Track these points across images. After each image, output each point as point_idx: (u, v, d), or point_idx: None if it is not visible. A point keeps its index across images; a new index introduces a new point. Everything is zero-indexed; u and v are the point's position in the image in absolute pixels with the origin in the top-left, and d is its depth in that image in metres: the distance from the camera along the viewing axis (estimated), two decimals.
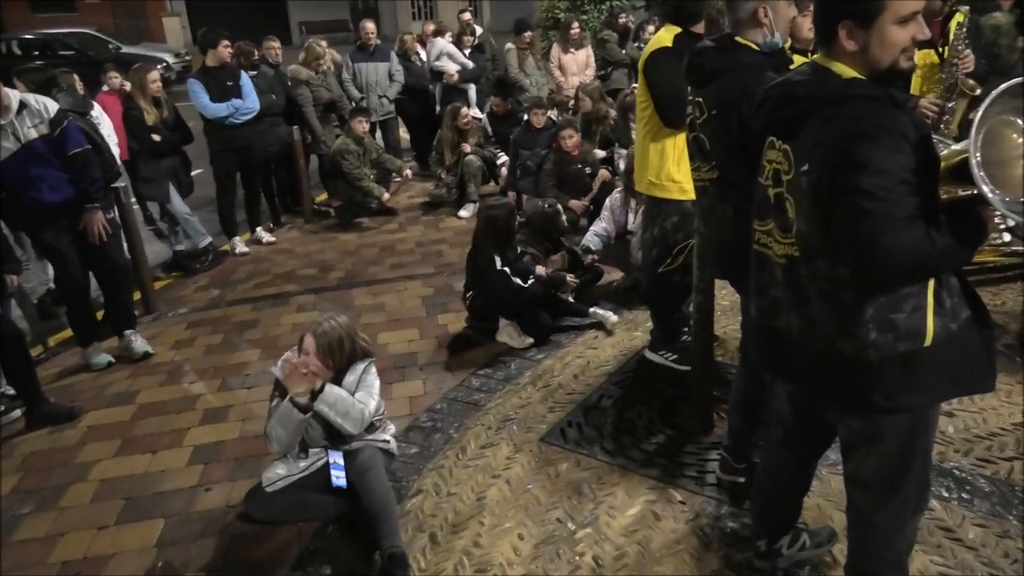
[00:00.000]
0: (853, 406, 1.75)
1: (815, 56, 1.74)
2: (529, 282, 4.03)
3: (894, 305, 1.61)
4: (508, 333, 4.07)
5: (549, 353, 3.94)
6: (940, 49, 3.52)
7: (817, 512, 2.55)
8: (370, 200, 6.50)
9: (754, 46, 2.32)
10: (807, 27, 2.59)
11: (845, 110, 1.55)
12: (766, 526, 2.28)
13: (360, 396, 2.67)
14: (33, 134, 3.68)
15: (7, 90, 3.69)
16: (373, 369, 2.80)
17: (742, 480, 2.67)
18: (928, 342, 1.62)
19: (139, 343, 4.37)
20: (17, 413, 3.71)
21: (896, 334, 1.61)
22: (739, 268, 2.47)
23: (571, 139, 5.69)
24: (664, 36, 3.08)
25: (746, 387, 2.60)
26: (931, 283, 1.63)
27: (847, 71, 1.62)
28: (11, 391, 3.75)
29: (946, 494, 2.59)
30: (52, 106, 3.80)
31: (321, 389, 2.61)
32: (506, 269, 4.01)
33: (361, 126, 6.42)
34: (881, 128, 1.49)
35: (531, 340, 4.02)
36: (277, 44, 6.60)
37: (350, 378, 2.71)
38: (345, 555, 2.60)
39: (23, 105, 3.69)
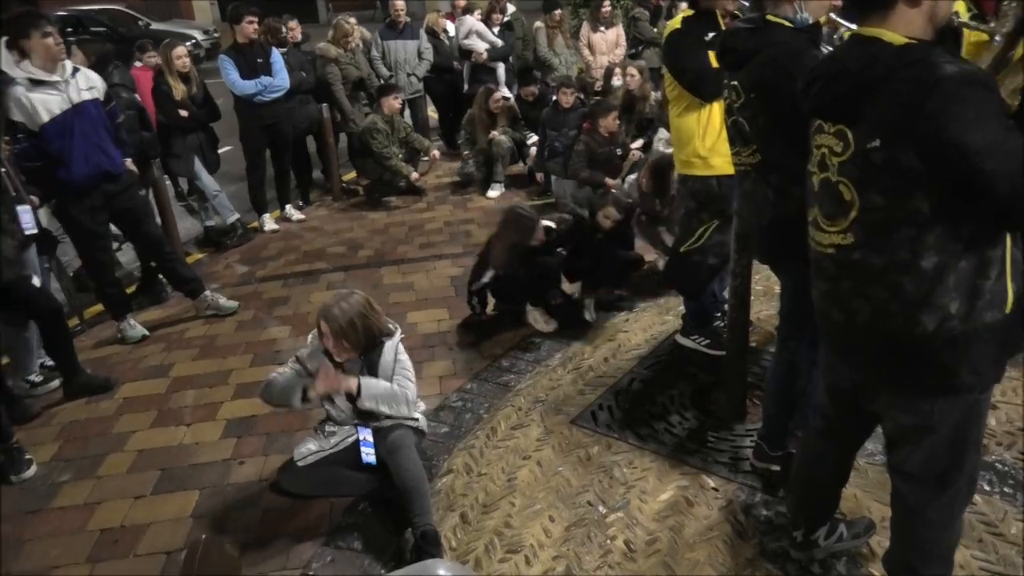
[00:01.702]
0: (939, 389, 1.65)
1: (858, 28, 1.66)
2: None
3: (980, 270, 1.53)
4: (534, 317, 4.04)
5: (579, 335, 3.91)
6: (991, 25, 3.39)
7: (855, 503, 2.51)
8: (399, 179, 6.49)
9: (786, 23, 2.24)
10: None
11: (913, 78, 1.47)
12: (803, 516, 2.24)
13: (399, 381, 2.67)
14: (86, 96, 3.84)
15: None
16: (403, 348, 2.79)
17: (777, 468, 2.65)
18: (1008, 308, 1.56)
19: (223, 300, 4.53)
20: (56, 383, 3.78)
21: (983, 302, 1.54)
22: (780, 252, 2.43)
23: (614, 121, 5.56)
24: (675, 20, 3.15)
25: (781, 375, 2.56)
26: (1008, 244, 1.55)
27: (898, 38, 1.54)
28: (50, 362, 3.83)
29: (988, 488, 2.54)
30: (102, 82, 4.04)
31: (359, 390, 2.59)
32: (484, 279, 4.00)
33: (396, 103, 6.38)
34: (959, 87, 1.42)
35: (556, 325, 3.99)
36: (293, 24, 6.53)
37: (386, 358, 2.69)
38: (376, 531, 2.62)
39: (75, 70, 3.85)
